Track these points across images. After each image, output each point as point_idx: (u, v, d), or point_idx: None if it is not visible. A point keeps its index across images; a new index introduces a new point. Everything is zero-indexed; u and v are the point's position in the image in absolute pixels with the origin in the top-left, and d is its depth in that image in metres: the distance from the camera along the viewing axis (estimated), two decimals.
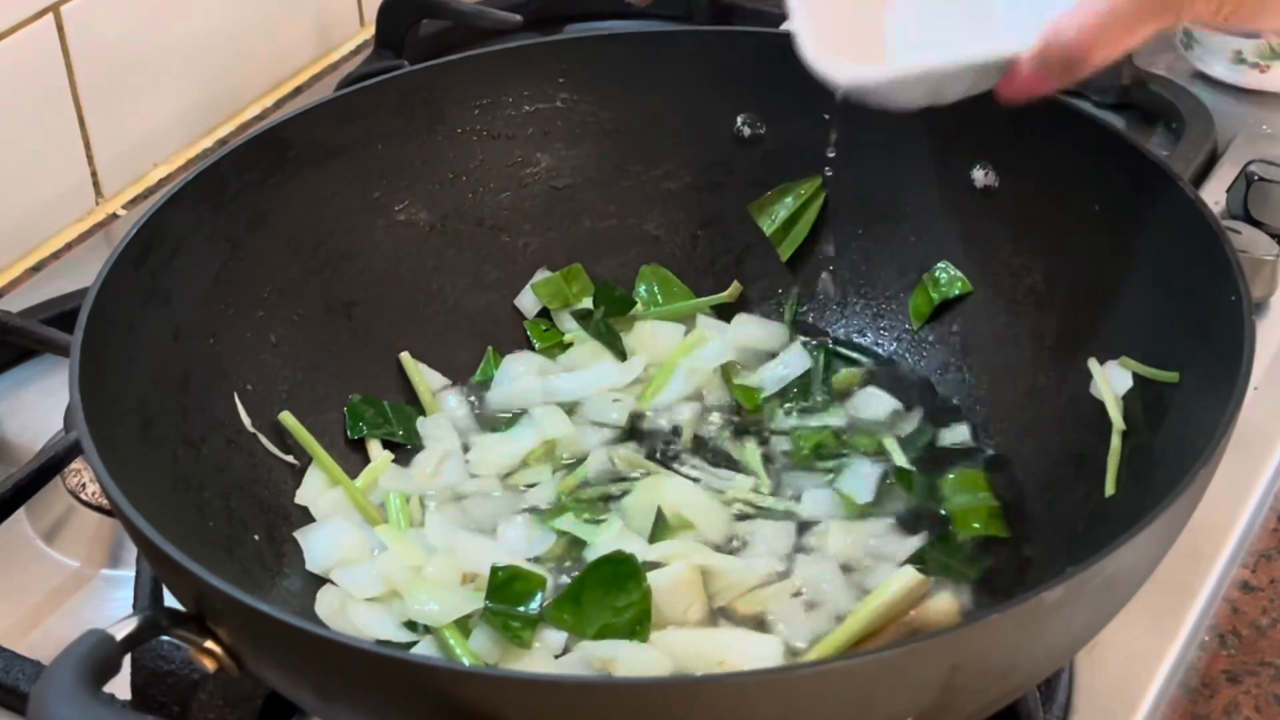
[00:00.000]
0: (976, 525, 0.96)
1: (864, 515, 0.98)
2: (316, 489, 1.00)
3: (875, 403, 1.05)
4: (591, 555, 0.94)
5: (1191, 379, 0.89)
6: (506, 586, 0.90)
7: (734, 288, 1.12)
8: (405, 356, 1.08)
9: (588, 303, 1.12)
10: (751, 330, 1.10)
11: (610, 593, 0.88)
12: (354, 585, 0.93)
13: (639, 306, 1.12)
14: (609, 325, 1.10)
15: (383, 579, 0.93)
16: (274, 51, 1.55)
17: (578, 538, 0.96)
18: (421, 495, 1.01)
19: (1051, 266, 1.01)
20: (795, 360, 1.07)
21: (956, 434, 1.03)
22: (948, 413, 1.04)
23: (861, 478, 1.00)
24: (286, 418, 1.01)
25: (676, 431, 1.05)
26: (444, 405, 1.07)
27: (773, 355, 1.09)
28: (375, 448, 1.03)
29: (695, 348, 1.08)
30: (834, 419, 1.04)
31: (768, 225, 1.12)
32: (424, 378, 1.07)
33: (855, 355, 1.09)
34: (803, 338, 1.10)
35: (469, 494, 1.01)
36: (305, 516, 0.99)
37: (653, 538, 0.95)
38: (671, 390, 1.06)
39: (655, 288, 1.12)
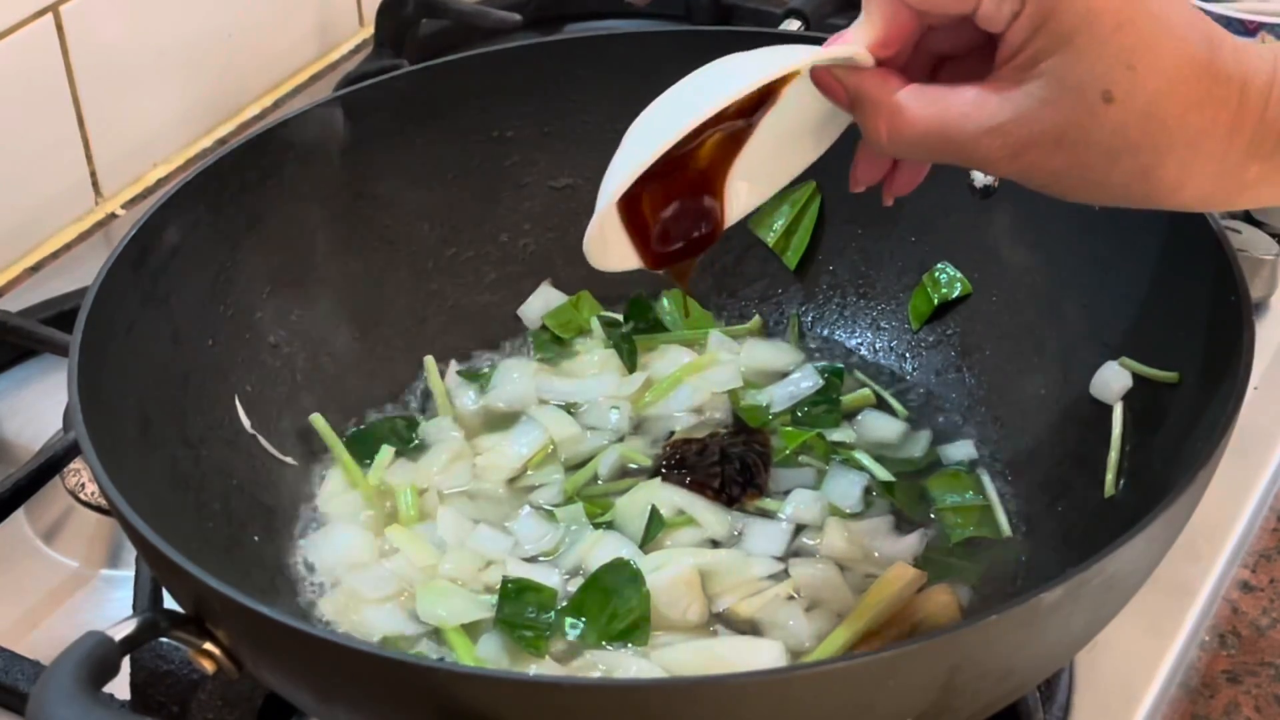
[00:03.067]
0: (969, 527, 0.96)
1: (861, 515, 0.98)
2: (335, 491, 1.00)
3: (883, 424, 1.04)
4: (585, 553, 0.95)
5: (1191, 379, 0.89)
6: (518, 598, 0.90)
7: (755, 321, 1.12)
8: (429, 360, 1.08)
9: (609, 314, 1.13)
10: (762, 353, 1.10)
11: (612, 599, 0.89)
12: (365, 588, 0.94)
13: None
14: (631, 339, 1.10)
15: (395, 580, 0.94)
16: (274, 51, 1.55)
17: (586, 530, 0.97)
18: (433, 490, 1.01)
19: (1051, 266, 1.01)
20: (806, 380, 1.07)
21: (962, 450, 1.02)
22: (953, 429, 1.04)
23: (848, 486, 0.99)
24: (317, 420, 1.02)
25: (671, 435, 1.04)
26: (453, 404, 1.07)
27: (783, 375, 1.08)
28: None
29: (705, 369, 1.08)
30: (839, 436, 1.04)
31: (769, 236, 1.12)
32: (440, 381, 1.07)
33: (866, 379, 1.08)
34: (815, 362, 1.09)
35: (478, 492, 1.01)
36: (305, 517, 0.99)
37: (650, 535, 0.95)
38: (673, 402, 1.06)
39: (676, 312, 1.12)
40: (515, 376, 1.08)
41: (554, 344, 1.11)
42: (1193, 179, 0.71)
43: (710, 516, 0.97)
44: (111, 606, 1.01)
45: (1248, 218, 1.24)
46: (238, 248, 1.01)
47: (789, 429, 1.03)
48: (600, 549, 0.94)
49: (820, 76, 0.79)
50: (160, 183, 1.44)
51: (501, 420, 1.06)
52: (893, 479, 1.00)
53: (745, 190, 0.89)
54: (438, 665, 0.80)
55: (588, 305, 1.13)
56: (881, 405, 1.06)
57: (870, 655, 0.73)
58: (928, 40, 0.78)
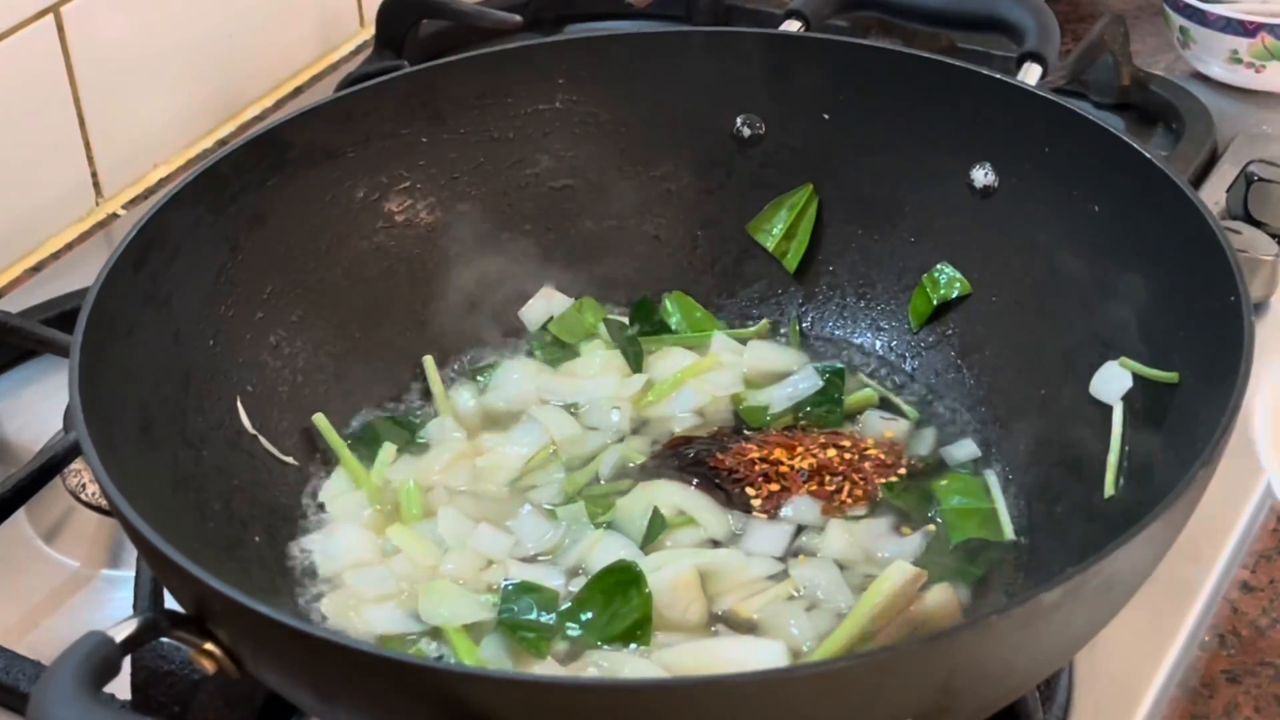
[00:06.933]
0: (972, 529, 0.96)
1: (862, 516, 0.98)
2: (339, 489, 1.00)
3: (887, 425, 1.04)
4: (586, 552, 0.95)
5: (1191, 379, 0.89)
6: (520, 599, 0.91)
7: (762, 324, 1.12)
8: (428, 360, 1.08)
9: (615, 317, 1.13)
10: (765, 354, 1.10)
11: (614, 599, 0.89)
12: (366, 587, 0.94)
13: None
14: (637, 341, 1.10)
15: (396, 580, 0.94)
16: (274, 51, 1.55)
17: (587, 530, 0.97)
18: (438, 487, 1.01)
19: (1051, 266, 1.01)
20: (805, 381, 1.06)
21: (964, 450, 1.02)
22: (957, 428, 1.04)
23: None
24: (319, 420, 1.02)
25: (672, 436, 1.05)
26: (454, 404, 1.07)
27: (784, 376, 1.08)
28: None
29: (708, 371, 1.08)
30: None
31: (769, 241, 1.12)
32: (440, 381, 1.08)
33: (868, 380, 1.08)
34: (816, 363, 1.09)
35: (479, 492, 1.01)
36: (306, 517, 0.99)
37: (651, 535, 0.95)
38: (674, 403, 1.06)
39: (680, 314, 1.12)
40: (515, 377, 1.08)
41: (555, 345, 1.11)
42: None
43: (710, 516, 0.97)
44: (112, 606, 1.01)
45: (1248, 218, 1.24)
46: (238, 248, 1.01)
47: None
48: (601, 549, 0.94)
49: None
50: (161, 183, 1.44)
51: (502, 420, 1.06)
52: (895, 479, 1.00)
53: None
54: (438, 665, 0.81)
55: (591, 310, 1.13)
56: (885, 405, 1.06)
57: (869, 656, 0.73)
58: None
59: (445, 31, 1.54)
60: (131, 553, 1.02)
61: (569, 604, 0.90)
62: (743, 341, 1.11)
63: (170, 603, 0.79)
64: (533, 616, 0.90)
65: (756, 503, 0.98)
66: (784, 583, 0.93)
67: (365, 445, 1.04)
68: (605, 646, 0.88)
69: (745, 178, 1.13)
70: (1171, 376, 0.90)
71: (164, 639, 0.77)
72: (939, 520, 0.97)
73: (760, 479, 0.99)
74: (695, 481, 0.98)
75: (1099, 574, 0.71)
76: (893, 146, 1.09)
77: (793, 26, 1.18)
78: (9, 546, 1.05)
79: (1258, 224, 1.23)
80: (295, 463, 1.01)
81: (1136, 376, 0.93)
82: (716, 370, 1.08)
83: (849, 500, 0.98)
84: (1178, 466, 0.78)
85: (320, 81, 1.58)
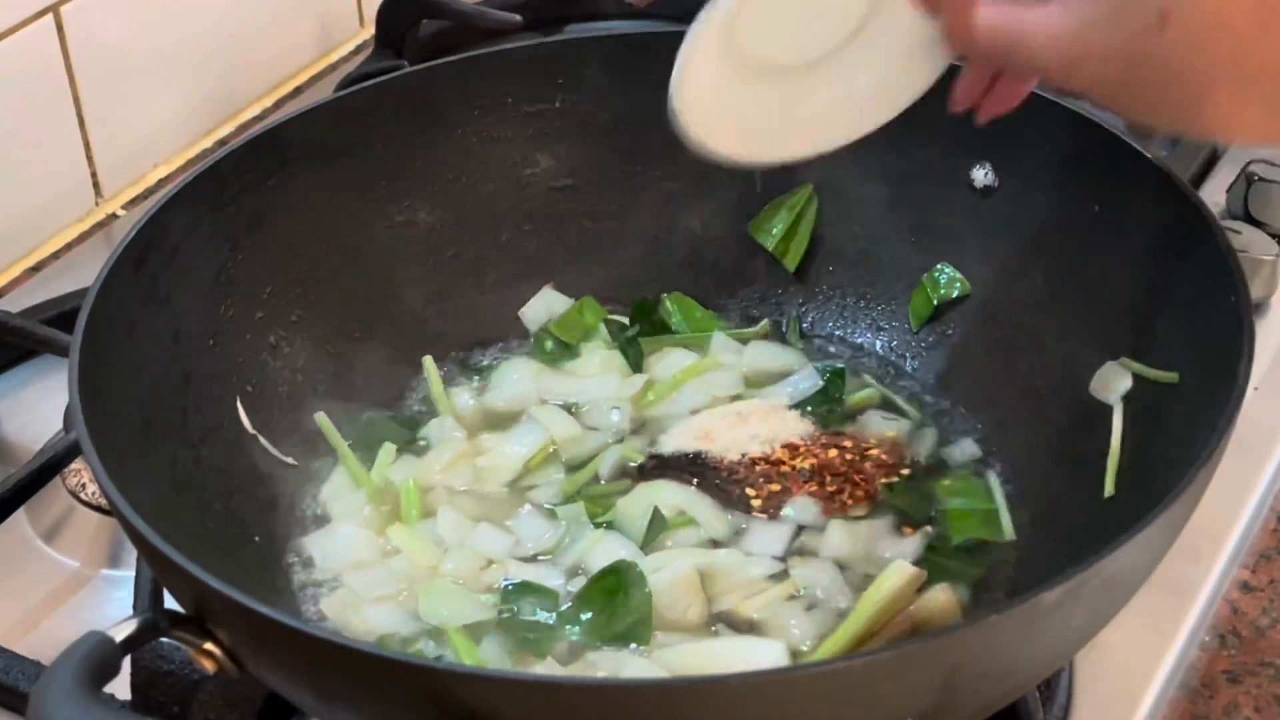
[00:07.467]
0: (973, 529, 0.96)
1: (862, 515, 0.98)
2: (339, 489, 1.00)
3: (888, 424, 1.04)
4: (585, 552, 0.95)
5: (1191, 379, 0.89)
6: (520, 599, 0.91)
7: (762, 325, 1.12)
8: (428, 360, 1.08)
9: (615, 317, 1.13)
10: (764, 354, 1.10)
11: (614, 599, 0.89)
12: (365, 587, 0.94)
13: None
14: (637, 342, 1.10)
15: (395, 580, 0.94)
16: (274, 51, 1.55)
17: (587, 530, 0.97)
18: (439, 487, 1.01)
19: (1051, 266, 1.01)
20: (805, 381, 1.07)
21: (965, 450, 1.02)
22: (957, 428, 1.04)
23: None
24: (321, 419, 1.02)
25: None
26: (454, 404, 1.07)
27: (784, 376, 1.08)
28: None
29: (708, 371, 1.08)
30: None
31: (769, 241, 1.12)
32: (440, 381, 1.08)
33: (870, 380, 1.08)
34: (816, 363, 1.09)
35: (479, 492, 1.01)
36: (305, 517, 0.99)
37: (651, 536, 0.95)
38: (673, 403, 1.06)
39: (680, 314, 1.12)
40: (515, 377, 1.08)
41: (555, 345, 1.11)
42: (1245, 111, 0.71)
43: (710, 516, 0.97)
44: (112, 606, 1.01)
45: (1248, 218, 1.24)
46: (238, 248, 1.01)
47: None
48: (600, 548, 0.94)
49: None
50: (161, 183, 1.44)
51: (502, 420, 1.06)
52: (897, 479, 1.00)
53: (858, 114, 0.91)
54: (438, 665, 0.81)
55: (591, 311, 1.13)
56: (885, 405, 1.06)
57: (870, 655, 0.73)
58: None
59: (445, 31, 1.54)
60: (131, 553, 1.02)
61: (569, 604, 0.90)
62: (743, 342, 1.11)
63: (170, 603, 0.79)
64: (533, 616, 0.90)
65: (756, 503, 0.98)
66: (784, 583, 0.93)
67: (365, 445, 1.04)
68: (605, 646, 0.89)
69: (745, 177, 1.13)
70: (1171, 376, 0.90)
71: (164, 639, 0.77)
72: (939, 520, 0.97)
73: (760, 479, 0.99)
74: (695, 481, 0.98)
75: (1099, 574, 0.71)
76: (893, 146, 1.08)
77: None
78: (9, 546, 1.05)
79: (1258, 224, 1.23)
80: (295, 463, 1.01)
81: (1136, 376, 0.93)
82: (716, 370, 1.08)
83: (850, 500, 0.98)
84: (1178, 466, 0.78)
85: (320, 81, 1.58)
